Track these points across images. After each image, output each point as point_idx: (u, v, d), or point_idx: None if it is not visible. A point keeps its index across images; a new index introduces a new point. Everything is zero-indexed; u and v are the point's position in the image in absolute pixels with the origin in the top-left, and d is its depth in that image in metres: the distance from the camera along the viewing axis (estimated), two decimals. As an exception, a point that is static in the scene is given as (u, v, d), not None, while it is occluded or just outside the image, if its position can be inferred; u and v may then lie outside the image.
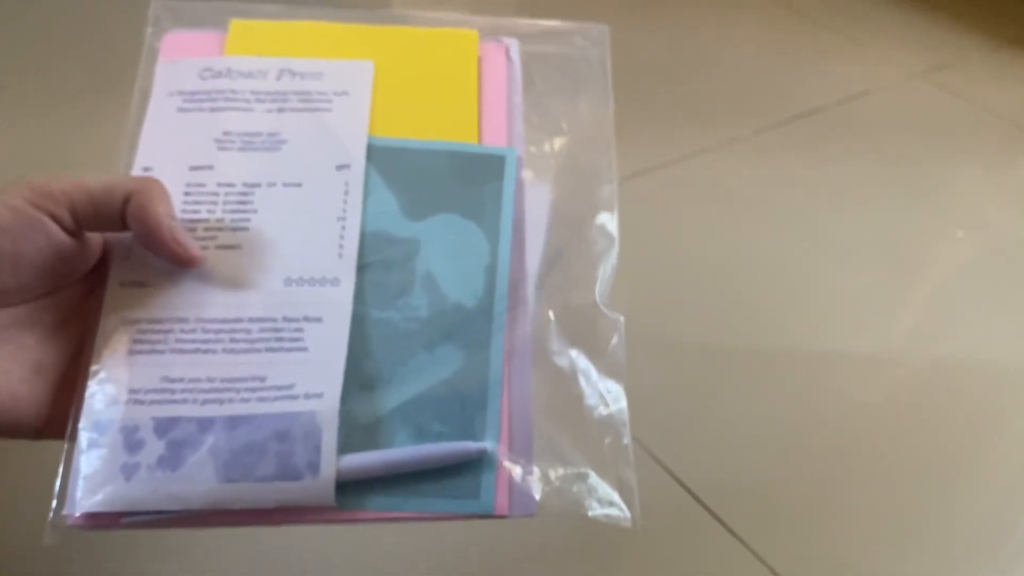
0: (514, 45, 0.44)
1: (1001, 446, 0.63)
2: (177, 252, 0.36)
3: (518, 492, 0.35)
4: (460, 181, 0.40)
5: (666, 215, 0.80)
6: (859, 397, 0.65)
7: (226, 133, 0.40)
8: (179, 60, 0.42)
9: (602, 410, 0.37)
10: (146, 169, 0.39)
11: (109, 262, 0.36)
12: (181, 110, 0.41)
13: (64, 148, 0.77)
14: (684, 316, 0.70)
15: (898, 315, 0.73)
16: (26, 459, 0.45)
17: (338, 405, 0.35)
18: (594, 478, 0.35)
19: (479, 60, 0.43)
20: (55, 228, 0.34)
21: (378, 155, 0.40)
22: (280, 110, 0.41)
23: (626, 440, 0.36)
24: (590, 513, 0.34)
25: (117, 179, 0.35)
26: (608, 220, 0.41)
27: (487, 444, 0.35)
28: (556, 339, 0.38)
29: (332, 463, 0.34)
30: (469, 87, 0.43)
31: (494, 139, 0.42)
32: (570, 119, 0.42)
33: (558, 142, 0.42)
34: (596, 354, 0.38)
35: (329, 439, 0.34)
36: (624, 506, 0.35)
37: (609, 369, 0.38)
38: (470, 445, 0.35)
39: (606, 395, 0.38)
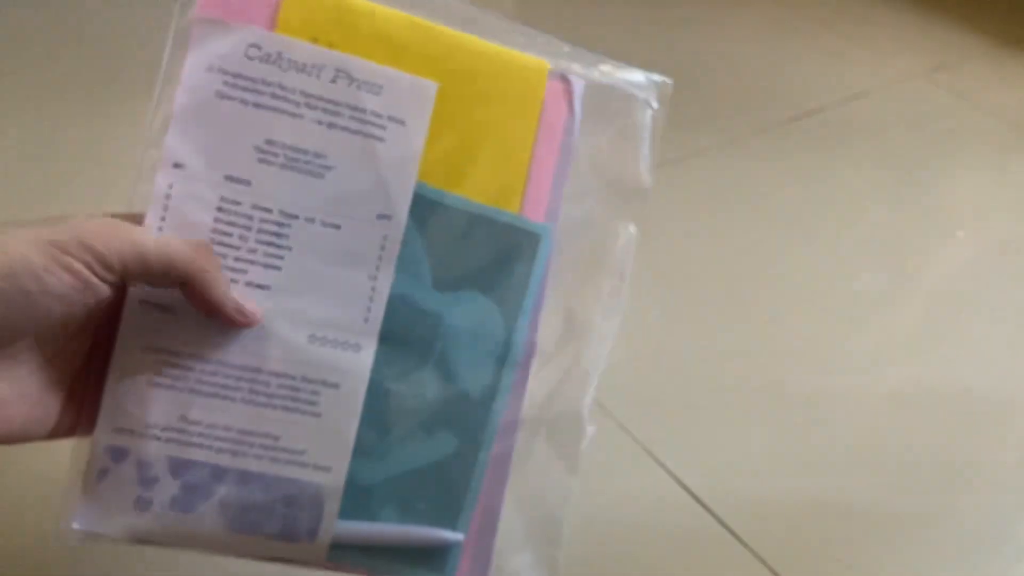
0: (578, 90, 0.41)
1: (1003, 446, 0.63)
2: (240, 322, 0.36)
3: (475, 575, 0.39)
4: (492, 255, 0.39)
5: (665, 215, 0.80)
6: (859, 397, 0.65)
7: (269, 142, 0.36)
8: (221, 24, 0.36)
9: (549, 505, 0.41)
10: (176, 165, 0.36)
11: None
12: (220, 95, 0.36)
13: (78, 138, 0.77)
14: (683, 316, 0.70)
15: (897, 315, 0.73)
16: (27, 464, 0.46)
17: (343, 480, 0.37)
18: (530, 570, 0.40)
19: (542, 106, 0.40)
20: (104, 289, 0.33)
21: (419, 205, 0.38)
22: (331, 125, 0.37)
23: (558, 537, 0.41)
24: None
25: (173, 251, 0.33)
26: (611, 323, 0.43)
27: (461, 536, 0.39)
28: (534, 441, 0.41)
29: (329, 532, 0.37)
30: (524, 140, 0.40)
31: (534, 209, 0.40)
32: (607, 196, 0.42)
33: (588, 226, 0.41)
34: (561, 452, 0.41)
35: (330, 511, 0.37)
36: None
37: (567, 468, 0.41)
38: (448, 535, 0.38)
39: (556, 493, 0.41)
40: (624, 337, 0.68)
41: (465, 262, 0.39)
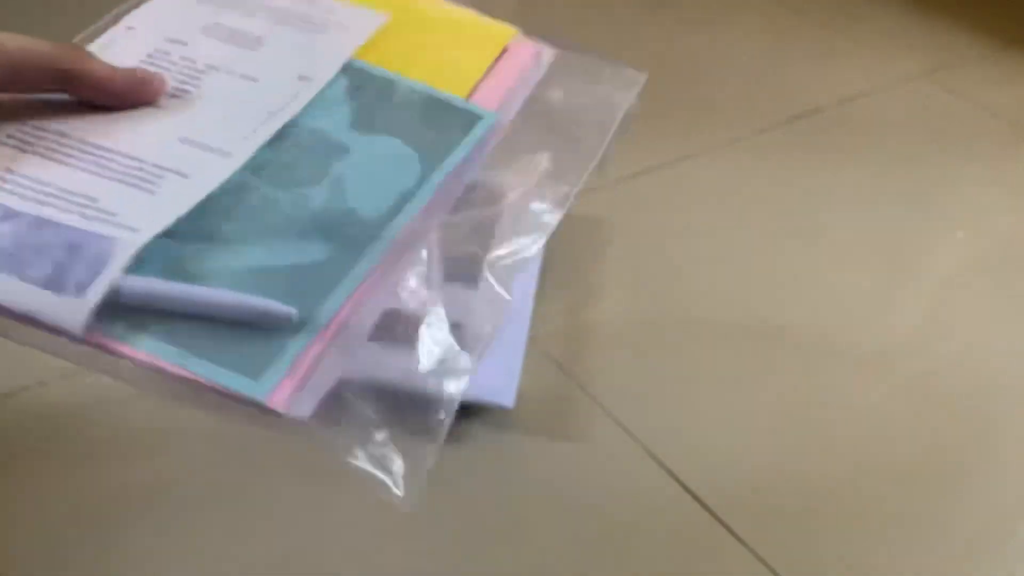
0: (546, 51, 0.42)
1: (1002, 446, 0.63)
2: (143, 92, 0.35)
3: (305, 392, 0.30)
4: (425, 119, 0.39)
5: (665, 215, 0.80)
6: (859, 397, 0.65)
7: (216, 24, 0.40)
8: None
9: (442, 381, 0.32)
10: (128, 28, 0.38)
11: None
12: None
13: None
14: (682, 316, 0.70)
15: (898, 315, 0.73)
16: None
17: (143, 241, 0.31)
18: (385, 439, 0.31)
19: (505, 48, 0.42)
20: None
21: (355, 74, 0.39)
22: (279, 22, 0.41)
23: (444, 417, 0.31)
24: (355, 463, 0.30)
25: (37, 45, 0.32)
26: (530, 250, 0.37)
27: (294, 312, 0.31)
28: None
29: (99, 292, 0.30)
30: (481, 64, 0.41)
31: (483, 102, 0.39)
32: (553, 153, 0.40)
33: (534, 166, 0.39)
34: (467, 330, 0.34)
35: (113, 268, 0.31)
36: (396, 482, 0.30)
37: (470, 345, 0.33)
38: (275, 305, 0.31)
39: (454, 369, 0.33)
40: (623, 336, 0.69)
41: (394, 117, 0.38)
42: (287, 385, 0.29)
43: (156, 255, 0.31)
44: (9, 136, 0.34)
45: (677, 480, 0.57)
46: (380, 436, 0.30)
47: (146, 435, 0.55)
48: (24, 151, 0.34)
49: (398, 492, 0.29)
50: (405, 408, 0.31)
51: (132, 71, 0.35)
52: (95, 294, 0.30)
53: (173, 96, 0.37)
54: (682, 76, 1.01)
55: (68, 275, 0.30)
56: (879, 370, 0.67)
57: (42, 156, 0.34)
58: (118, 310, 0.30)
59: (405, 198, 0.36)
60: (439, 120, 0.38)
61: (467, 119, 0.39)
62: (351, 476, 0.30)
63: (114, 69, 0.34)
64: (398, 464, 0.30)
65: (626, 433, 0.59)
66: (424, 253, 0.35)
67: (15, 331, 0.31)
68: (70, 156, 0.34)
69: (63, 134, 0.34)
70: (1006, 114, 1.01)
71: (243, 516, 0.52)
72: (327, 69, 0.39)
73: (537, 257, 0.43)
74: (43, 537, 0.50)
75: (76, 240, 0.31)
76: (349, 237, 0.34)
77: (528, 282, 0.46)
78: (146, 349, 0.30)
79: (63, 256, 0.31)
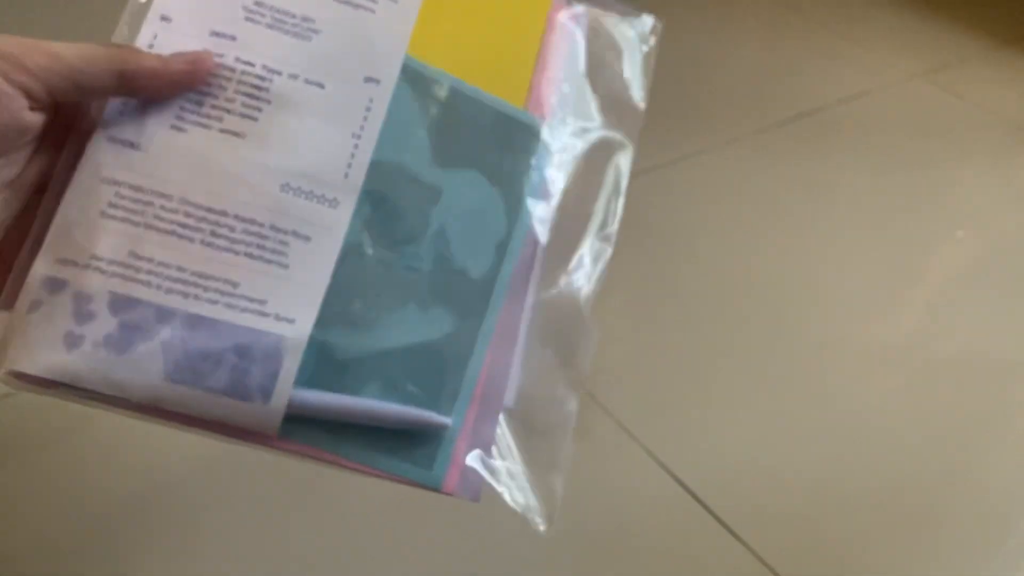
0: (583, 18, 0.42)
1: (1002, 445, 0.63)
2: (193, 72, 0.34)
3: (469, 475, 0.34)
4: (495, 142, 0.38)
5: (666, 214, 0.80)
6: (858, 396, 0.65)
7: (258, 3, 0.37)
8: None
9: (553, 414, 0.37)
10: (163, 18, 0.36)
11: (95, 112, 0.34)
12: None
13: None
14: (683, 315, 0.70)
15: (898, 315, 0.73)
16: None
17: (307, 336, 0.33)
18: (525, 479, 0.35)
19: (547, 19, 0.41)
20: (23, 104, 0.31)
21: (421, 84, 0.38)
22: None
23: (566, 448, 0.36)
24: (515, 507, 0.35)
25: (96, 51, 0.32)
26: (611, 226, 0.41)
27: (450, 420, 0.34)
28: (535, 335, 0.38)
29: (285, 394, 0.32)
30: (530, 44, 0.41)
31: (538, 105, 0.40)
32: (603, 110, 0.42)
33: (586, 132, 0.41)
34: (566, 359, 0.38)
35: (289, 369, 0.32)
36: (540, 514, 0.35)
37: (572, 378, 0.38)
38: (434, 416, 0.34)
39: (561, 400, 0.37)
40: (623, 336, 0.69)
41: (467, 143, 0.38)
42: (454, 471, 0.34)
43: (310, 348, 0.33)
44: (111, 204, 0.33)
45: (677, 480, 0.57)
46: (517, 475, 0.35)
47: (146, 435, 0.55)
48: (135, 224, 0.33)
49: (542, 528, 0.34)
50: (533, 446, 0.36)
51: (181, 55, 0.34)
52: (280, 399, 0.32)
53: (247, 117, 0.35)
54: (682, 76, 1.01)
55: (248, 380, 0.32)
56: (879, 369, 0.67)
57: (156, 230, 0.33)
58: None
59: (501, 250, 0.37)
60: (507, 142, 0.39)
61: (532, 138, 0.39)
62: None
63: (163, 57, 0.34)
64: (537, 500, 0.35)
65: (626, 433, 0.59)
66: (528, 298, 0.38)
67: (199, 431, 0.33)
68: (185, 227, 0.34)
69: (165, 195, 0.34)
70: (1006, 114, 1.01)
71: (239, 517, 0.52)
72: (391, 67, 0.37)
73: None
74: (42, 537, 0.50)
75: (242, 342, 0.33)
76: (466, 303, 0.36)
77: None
78: (329, 449, 0.33)
79: (235, 360, 0.32)
